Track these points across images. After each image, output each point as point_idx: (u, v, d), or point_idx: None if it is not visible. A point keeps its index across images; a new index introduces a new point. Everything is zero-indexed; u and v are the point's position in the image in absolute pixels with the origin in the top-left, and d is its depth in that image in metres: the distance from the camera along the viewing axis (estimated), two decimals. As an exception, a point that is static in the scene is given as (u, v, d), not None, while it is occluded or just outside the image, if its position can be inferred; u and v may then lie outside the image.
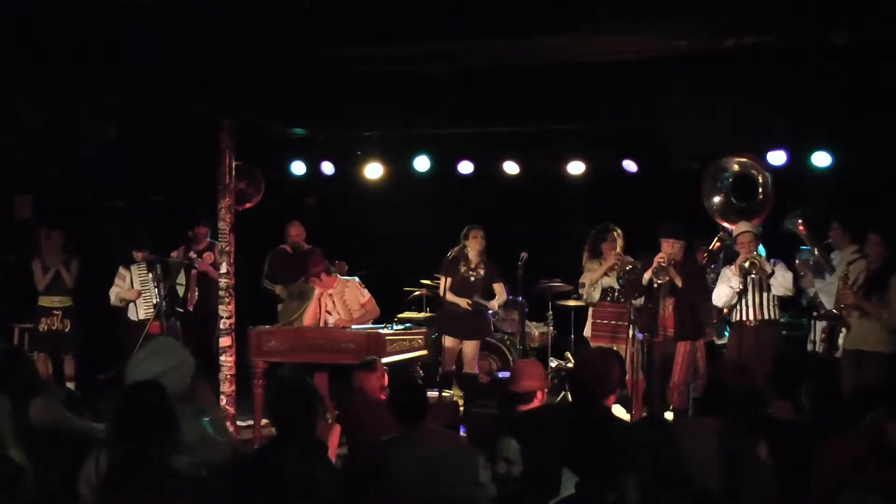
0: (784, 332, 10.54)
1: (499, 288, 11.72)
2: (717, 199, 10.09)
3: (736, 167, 10.03)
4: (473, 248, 11.50)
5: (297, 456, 5.17)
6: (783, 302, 10.04)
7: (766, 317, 9.79)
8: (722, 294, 10.00)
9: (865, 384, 7.91)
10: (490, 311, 12.08)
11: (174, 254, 11.84)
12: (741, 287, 9.81)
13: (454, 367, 11.64)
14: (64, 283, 11.63)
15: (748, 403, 5.39)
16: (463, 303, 11.44)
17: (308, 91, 10.24)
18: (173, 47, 8.02)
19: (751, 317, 9.79)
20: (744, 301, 9.82)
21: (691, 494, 4.58)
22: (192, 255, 11.83)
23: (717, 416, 5.34)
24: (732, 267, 9.94)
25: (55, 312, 11.52)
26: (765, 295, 9.76)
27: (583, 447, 5.42)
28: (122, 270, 11.53)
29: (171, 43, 7.96)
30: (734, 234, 9.96)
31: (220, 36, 7.91)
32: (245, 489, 5.05)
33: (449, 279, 11.57)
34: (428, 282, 12.40)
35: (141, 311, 11.45)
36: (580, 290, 11.34)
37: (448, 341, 11.52)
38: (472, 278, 11.53)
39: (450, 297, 11.54)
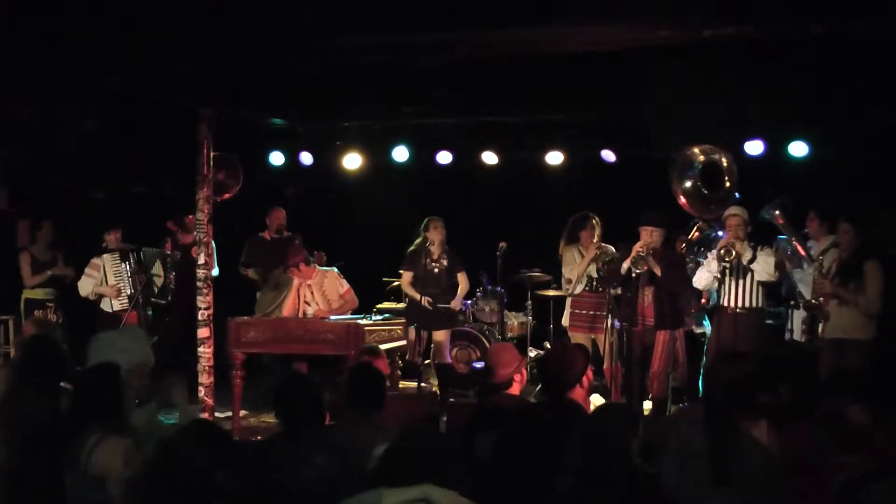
0: (769, 322, 10.51)
1: (462, 277, 11.69)
2: (688, 185, 10.07)
3: (702, 157, 10.05)
4: (435, 239, 11.42)
5: (310, 449, 5.21)
6: (767, 290, 10.02)
7: (748, 304, 9.74)
8: (701, 278, 10.01)
9: (840, 369, 7.96)
10: (467, 303, 12.14)
11: (167, 249, 11.80)
12: (719, 272, 9.81)
13: (423, 357, 11.69)
14: (56, 276, 11.53)
15: (739, 390, 5.39)
16: (424, 301, 11.43)
17: (287, 81, 10.23)
18: (152, 38, 7.98)
19: (731, 303, 9.76)
20: (724, 287, 9.80)
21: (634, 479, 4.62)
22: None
23: (707, 404, 5.36)
24: (713, 251, 9.97)
25: (48, 304, 11.38)
26: (745, 281, 9.70)
27: (549, 438, 5.43)
28: (95, 261, 11.42)
29: (150, 33, 7.93)
30: (724, 215, 9.95)
31: (198, 26, 7.88)
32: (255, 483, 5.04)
33: (411, 273, 11.55)
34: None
35: (115, 302, 11.38)
36: (566, 286, 11.33)
37: (416, 332, 11.54)
38: (436, 270, 11.50)
39: (411, 291, 11.54)
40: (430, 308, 11.34)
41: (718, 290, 9.94)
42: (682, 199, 9.92)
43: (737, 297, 9.74)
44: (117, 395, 5.39)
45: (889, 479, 4.34)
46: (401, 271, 11.73)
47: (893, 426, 5.32)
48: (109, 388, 5.40)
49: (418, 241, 11.51)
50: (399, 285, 12.84)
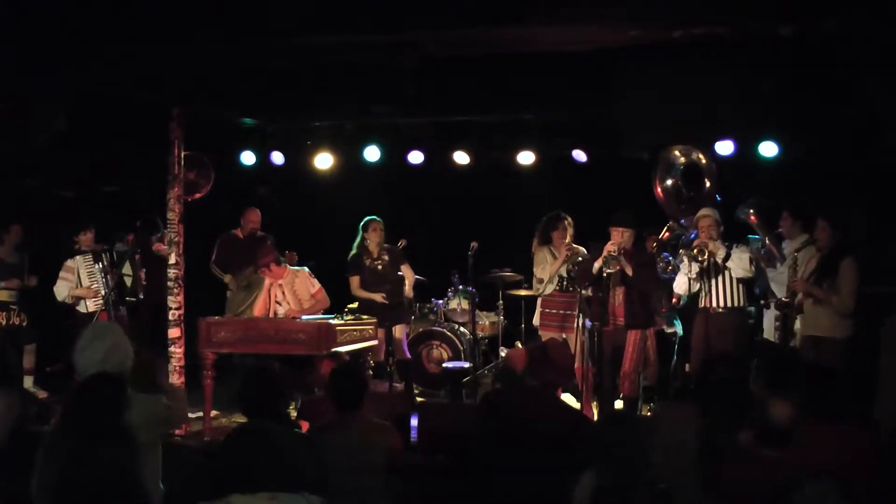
0: (751, 321, 10.52)
1: (405, 269, 11.78)
2: (668, 183, 10.10)
3: (683, 158, 10.08)
4: (373, 239, 11.54)
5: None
6: (748, 287, 10.00)
7: (729, 304, 9.72)
8: (681, 283, 10.02)
9: (821, 369, 8.00)
10: (439, 302, 12.14)
11: (129, 240, 11.78)
12: (696, 273, 9.82)
13: (391, 357, 11.71)
14: (20, 278, 11.46)
15: (733, 391, 5.37)
16: (378, 297, 11.45)
17: (258, 81, 10.21)
18: (123, 37, 7.95)
19: (713, 304, 9.76)
20: (705, 289, 9.80)
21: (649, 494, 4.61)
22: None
23: (699, 403, 5.34)
24: (684, 251, 10.01)
25: (12, 307, 11.31)
26: (723, 281, 9.71)
27: (544, 435, 5.42)
28: (69, 264, 11.33)
29: (120, 33, 7.90)
30: (695, 217, 9.96)
31: (170, 25, 7.86)
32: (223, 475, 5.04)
33: (357, 277, 11.60)
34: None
35: (90, 303, 11.31)
36: (537, 285, 11.33)
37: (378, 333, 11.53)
38: (380, 267, 11.58)
39: (362, 294, 11.58)
40: (387, 303, 11.36)
41: (699, 292, 9.92)
42: (660, 195, 9.95)
43: (717, 297, 9.74)
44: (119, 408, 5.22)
45: (812, 482, 4.36)
46: (348, 278, 11.74)
47: (827, 424, 5.36)
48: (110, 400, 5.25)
49: (357, 242, 11.57)
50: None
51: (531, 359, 6.18)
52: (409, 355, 11.84)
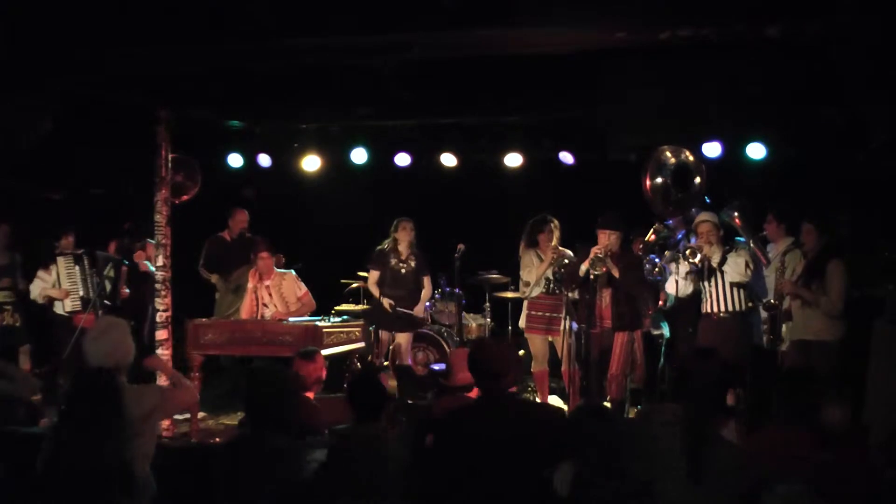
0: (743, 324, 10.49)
1: (426, 282, 11.79)
2: (658, 181, 10.08)
3: (673, 159, 10.07)
4: (403, 240, 11.54)
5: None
6: (748, 291, 9.98)
7: (731, 308, 9.67)
8: (671, 283, 10.04)
9: (796, 370, 7.99)
10: (427, 305, 12.17)
11: (111, 248, 11.76)
12: (686, 274, 9.81)
13: (386, 359, 11.71)
14: (13, 278, 11.43)
15: (713, 387, 5.36)
16: (385, 303, 11.47)
17: (245, 83, 10.20)
18: (109, 39, 7.93)
19: (714, 309, 9.74)
20: (705, 294, 9.77)
21: (630, 486, 4.61)
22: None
23: (681, 402, 5.34)
24: (671, 252, 10.02)
25: (6, 307, 11.30)
26: (720, 285, 9.72)
27: (507, 436, 5.37)
28: (47, 264, 11.35)
29: (106, 34, 7.88)
30: (694, 224, 9.96)
31: (155, 27, 7.84)
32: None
33: (377, 272, 11.60)
34: (364, 274, 12.33)
35: (67, 304, 11.28)
36: (523, 288, 11.33)
37: (382, 334, 11.55)
38: (403, 270, 11.58)
39: (375, 291, 11.63)
40: (390, 311, 11.38)
41: (700, 298, 9.91)
42: (648, 192, 9.94)
43: (718, 301, 9.72)
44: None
45: (786, 483, 4.37)
46: (368, 269, 11.79)
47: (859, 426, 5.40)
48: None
49: (387, 241, 11.57)
50: (357, 287, 12.84)
51: (484, 375, 5.75)
52: (410, 362, 11.85)
